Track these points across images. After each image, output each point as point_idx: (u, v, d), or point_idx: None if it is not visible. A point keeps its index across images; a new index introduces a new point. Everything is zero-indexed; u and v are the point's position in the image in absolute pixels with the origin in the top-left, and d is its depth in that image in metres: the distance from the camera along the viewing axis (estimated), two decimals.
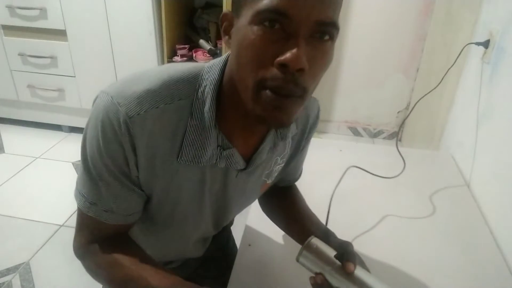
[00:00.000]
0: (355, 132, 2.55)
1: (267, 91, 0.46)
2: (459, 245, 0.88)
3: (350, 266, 0.55)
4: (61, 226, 1.75)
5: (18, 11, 2.09)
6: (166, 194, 0.59)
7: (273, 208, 0.83)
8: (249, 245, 0.85)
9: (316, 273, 0.58)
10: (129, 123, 0.50)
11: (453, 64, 1.22)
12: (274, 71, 0.45)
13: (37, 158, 2.25)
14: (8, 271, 1.50)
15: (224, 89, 0.55)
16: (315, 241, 0.61)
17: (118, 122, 0.50)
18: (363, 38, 2.25)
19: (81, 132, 0.57)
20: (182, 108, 0.53)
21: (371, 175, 1.04)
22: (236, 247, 1.03)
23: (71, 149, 2.35)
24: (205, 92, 0.54)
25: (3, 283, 1.45)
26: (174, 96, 0.52)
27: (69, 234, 1.71)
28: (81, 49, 2.15)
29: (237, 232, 0.98)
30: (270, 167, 0.68)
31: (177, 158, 0.55)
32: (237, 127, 0.57)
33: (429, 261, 0.83)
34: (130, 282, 0.56)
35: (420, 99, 1.18)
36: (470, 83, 1.32)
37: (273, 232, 0.85)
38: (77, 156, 2.22)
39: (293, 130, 0.66)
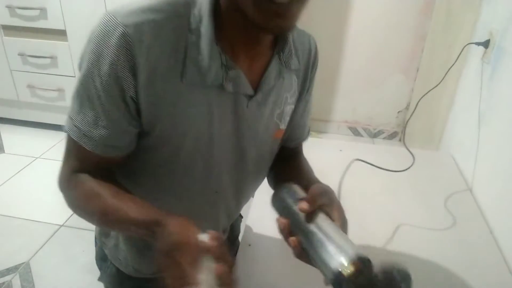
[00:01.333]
0: (355, 132, 2.55)
1: (268, 2, 0.48)
2: (459, 245, 0.88)
3: (301, 204, 0.54)
4: (61, 226, 1.75)
5: (18, 11, 2.09)
6: (173, 123, 0.57)
7: (279, 177, 0.78)
8: (249, 245, 0.85)
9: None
10: (126, 32, 0.51)
11: (454, 63, 1.22)
12: None
13: (37, 158, 2.24)
14: (8, 271, 1.50)
15: (222, 9, 0.55)
16: (288, 186, 0.60)
17: (115, 34, 0.51)
18: (363, 38, 2.25)
19: None
20: (180, 25, 0.54)
21: (376, 169, 1.04)
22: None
23: None
24: (202, 10, 0.55)
25: (3, 283, 1.44)
26: (170, 12, 0.54)
27: (69, 234, 1.71)
28: (81, 49, 2.14)
29: None
30: (281, 105, 0.67)
31: (181, 78, 0.55)
32: (240, 48, 0.58)
33: (428, 261, 0.83)
34: (108, 214, 0.56)
35: (423, 96, 1.18)
36: (470, 83, 1.32)
37: (273, 232, 0.85)
38: None
39: (295, 63, 0.66)
